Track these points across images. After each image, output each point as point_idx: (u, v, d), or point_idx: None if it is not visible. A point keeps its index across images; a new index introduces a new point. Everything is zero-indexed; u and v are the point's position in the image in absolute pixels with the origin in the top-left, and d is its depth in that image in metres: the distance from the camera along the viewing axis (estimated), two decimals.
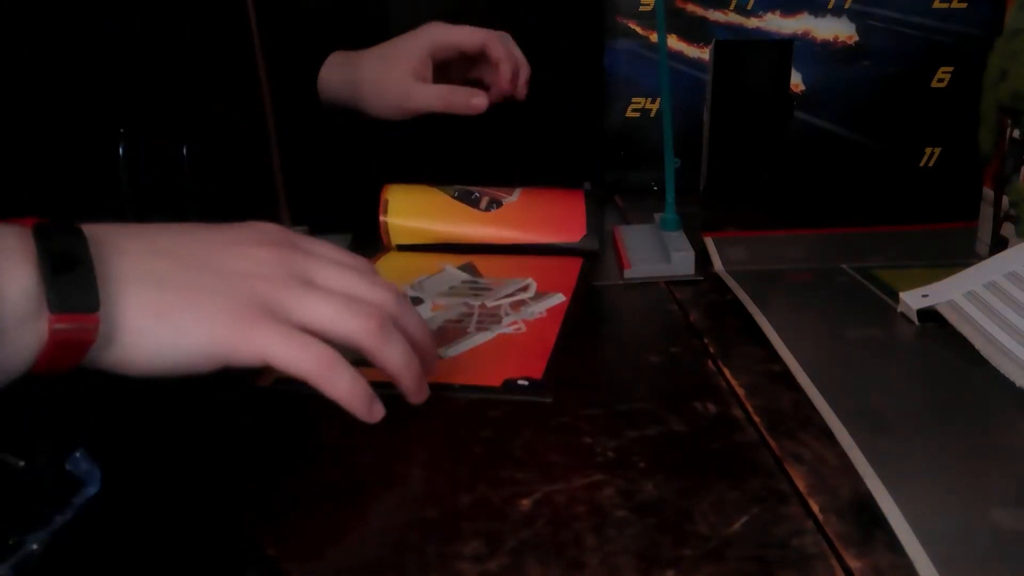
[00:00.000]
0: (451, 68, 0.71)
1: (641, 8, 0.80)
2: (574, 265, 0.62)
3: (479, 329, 0.50)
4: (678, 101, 0.79)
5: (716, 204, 0.78)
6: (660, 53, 0.60)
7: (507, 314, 0.52)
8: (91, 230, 0.34)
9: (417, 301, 0.55)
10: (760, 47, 0.78)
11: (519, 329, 0.50)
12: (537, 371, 0.45)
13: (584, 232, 0.65)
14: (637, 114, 0.83)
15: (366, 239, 0.66)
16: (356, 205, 0.69)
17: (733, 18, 0.80)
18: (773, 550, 0.30)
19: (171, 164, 0.65)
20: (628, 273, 0.59)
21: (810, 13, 0.79)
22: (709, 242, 0.64)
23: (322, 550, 0.31)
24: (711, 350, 0.47)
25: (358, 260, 0.41)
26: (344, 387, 0.36)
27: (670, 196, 0.62)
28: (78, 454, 0.32)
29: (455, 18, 0.71)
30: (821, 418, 0.39)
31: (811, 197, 0.81)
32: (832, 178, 0.84)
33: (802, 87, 0.81)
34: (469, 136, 0.60)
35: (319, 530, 0.33)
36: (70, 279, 0.31)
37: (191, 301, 0.34)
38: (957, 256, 0.57)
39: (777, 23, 0.80)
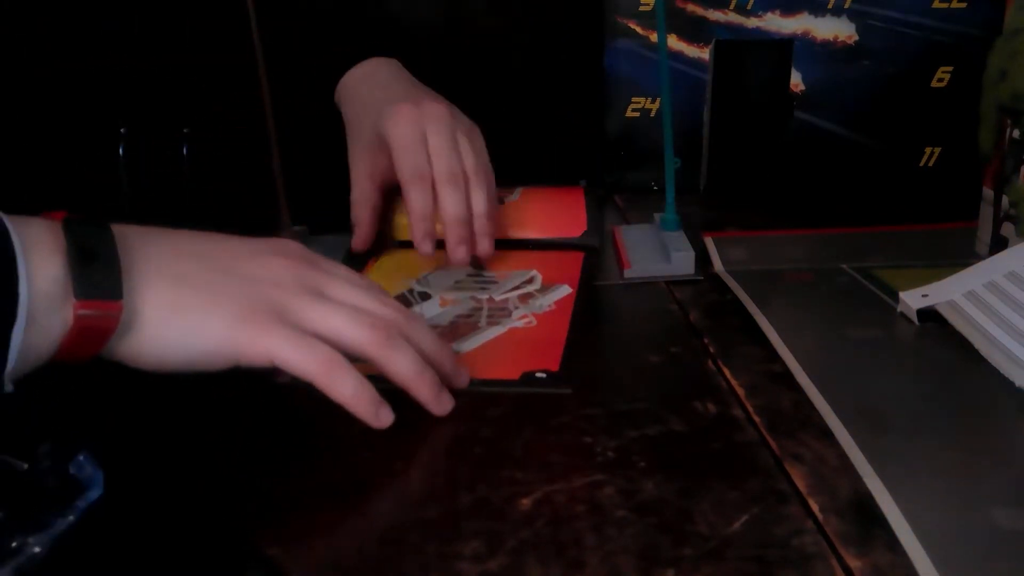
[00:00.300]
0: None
1: (641, 8, 0.80)
2: (576, 258, 0.62)
3: (490, 323, 0.51)
4: (678, 101, 0.79)
5: (716, 204, 0.78)
6: (660, 53, 0.60)
7: (516, 307, 0.53)
8: (118, 228, 0.36)
9: (424, 296, 0.55)
10: (760, 47, 0.78)
11: (530, 322, 0.51)
12: (553, 363, 0.45)
13: (585, 228, 0.66)
14: (637, 114, 0.83)
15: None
16: None
17: (733, 18, 0.80)
18: (773, 550, 0.30)
19: (171, 164, 0.65)
20: (628, 273, 0.59)
21: (810, 13, 0.79)
22: (709, 242, 0.64)
23: (322, 550, 0.32)
24: (711, 350, 0.48)
25: (371, 283, 0.43)
26: (348, 390, 0.37)
27: (670, 196, 0.62)
28: (81, 457, 0.32)
29: (455, 18, 0.71)
30: (821, 418, 0.39)
31: (811, 197, 0.81)
32: (832, 178, 0.84)
33: (802, 87, 0.81)
34: None
35: (319, 530, 0.33)
36: (95, 268, 0.33)
37: (207, 300, 0.36)
38: (957, 256, 0.57)
39: (777, 23, 0.80)
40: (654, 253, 0.61)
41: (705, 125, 0.79)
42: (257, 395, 0.43)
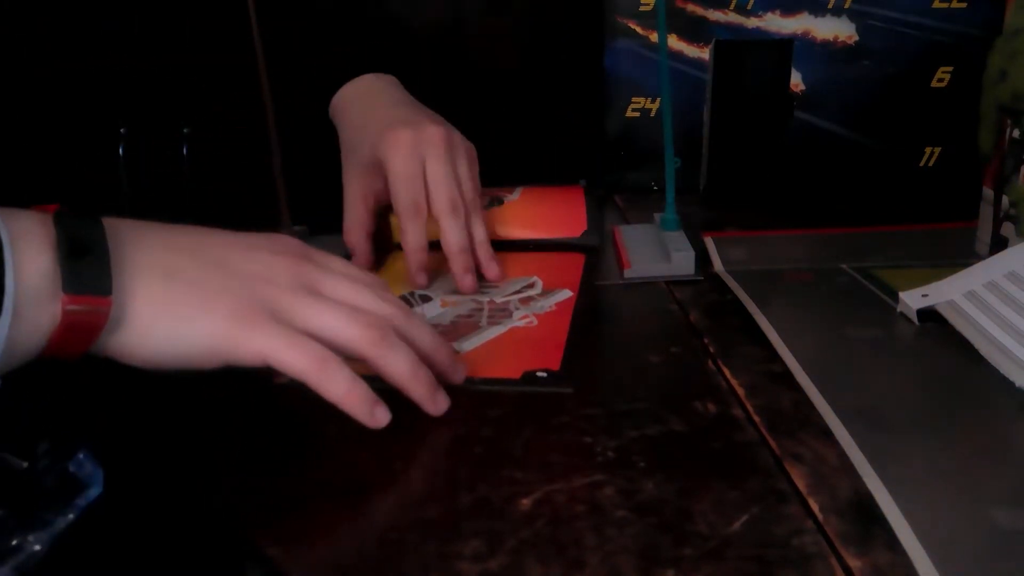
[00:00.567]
0: None
1: (641, 8, 0.80)
2: (577, 262, 0.62)
3: (491, 323, 0.51)
4: (678, 101, 0.79)
5: (716, 204, 0.78)
6: (660, 53, 0.60)
7: (517, 308, 0.53)
8: (110, 221, 0.35)
9: (425, 298, 0.55)
10: (760, 47, 0.78)
11: (531, 322, 0.51)
12: (554, 362, 0.45)
13: (585, 227, 0.66)
14: (637, 114, 0.83)
15: None
16: None
17: (733, 18, 0.80)
18: (773, 550, 0.30)
19: (171, 164, 0.65)
20: (628, 273, 0.59)
21: (810, 13, 0.79)
22: (709, 242, 0.65)
23: (322, 550, 0.32)
24: (711, 350, 0.48)
25: (370, 276, 0.42)
26: (340, 388, 0.36)
27: (670, 196, 0.62)
28: (81, 455, 0.32)
29: (456, 18, 0.71)
30: (821, 418, 0.39)
31: (811, 197, 0.81)
32: (832, 178, 0.84)
33: (802, 87, 0.81)
34: (468, 136, 0.60)
35: (319, 530, 0.33)
36: (85, 263, 0.33)
37: (198, 296, 0.35)
38: (957, 256, 0.57)
39: (777, 23, 0.80)
40: (654, 253, 0.61)
41: (705, 125, 0.79)
42: (258, 394, 0.43)
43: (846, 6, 0.79)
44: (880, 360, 0.46)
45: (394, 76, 0.66)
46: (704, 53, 0.80)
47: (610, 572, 0.30)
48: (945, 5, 0.78)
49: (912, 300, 0.50)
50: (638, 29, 0.81)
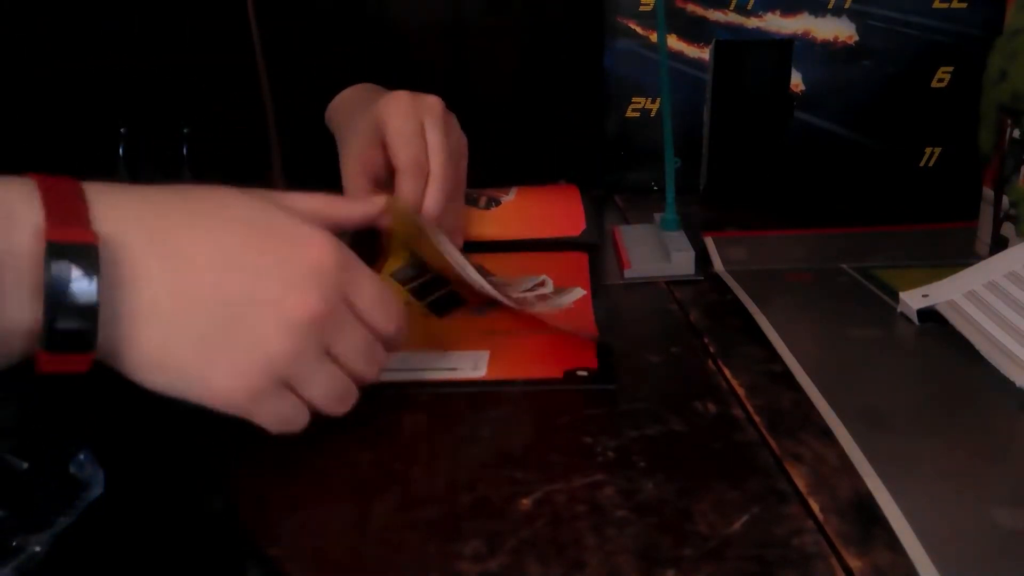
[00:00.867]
0: None
1: (641, 8, 0.80)
2: (582, 261, 0.62)
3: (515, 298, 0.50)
4: (678, 101, 0.79)
5: (716, 204, 0.78)
6: (660, 53, 0.60)
7: (533, 305, 0.52)
8: (116, 242, 0.32)
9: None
10: (760, 47, 0.78)
11: (558, 307, 0.51)
12: (591, 360, 0.45)
13: (584, 226, 0.66)
14: (637, 114, 0.83)
15: (365, 239, 0.65)
16: None
17: (733, 18, 0.80)
18: (773, 550, 0.30)
19: (171, 164, 0.65)
20: (628, 273, 0.59)
21: (810, 13, 0.79)
22: (709, 242, 0.64)
23: (322, 550, 0.32)
24: (711, 350, 0.48)
25: (389, 310, 0.38)
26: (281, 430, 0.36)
27: (670, 196, 0.62)
28: (82, 456, 0.32)
29: (456, 18, 0.71)
30: (821, 418, 0.39)
31: (811, 197, 0.81)
32: (832, 178, 0.84)
33: (802, 87, 0.81)
34: (468, 136, 0.60)
35: (319, 530, 0.33)
36: (71, 328, 0.31)
37: (198, 358, 0.33)
38: (957, 256, 0.57)
39: (777, 23, 0.80)
40: (654, 253, 0.61)
41: (705, 125, 0.79)
42: None
43: (846, 6, 0.79)
44: (880, 360, 0.46)
45: (394, 77, 0.66)
46: (704, 53, 0.80)
47: (610, 572, 0.30)
48: (945, 5, 0.78)
49: (912, 300, 0.50)
50: (638, 29, 0.81)
